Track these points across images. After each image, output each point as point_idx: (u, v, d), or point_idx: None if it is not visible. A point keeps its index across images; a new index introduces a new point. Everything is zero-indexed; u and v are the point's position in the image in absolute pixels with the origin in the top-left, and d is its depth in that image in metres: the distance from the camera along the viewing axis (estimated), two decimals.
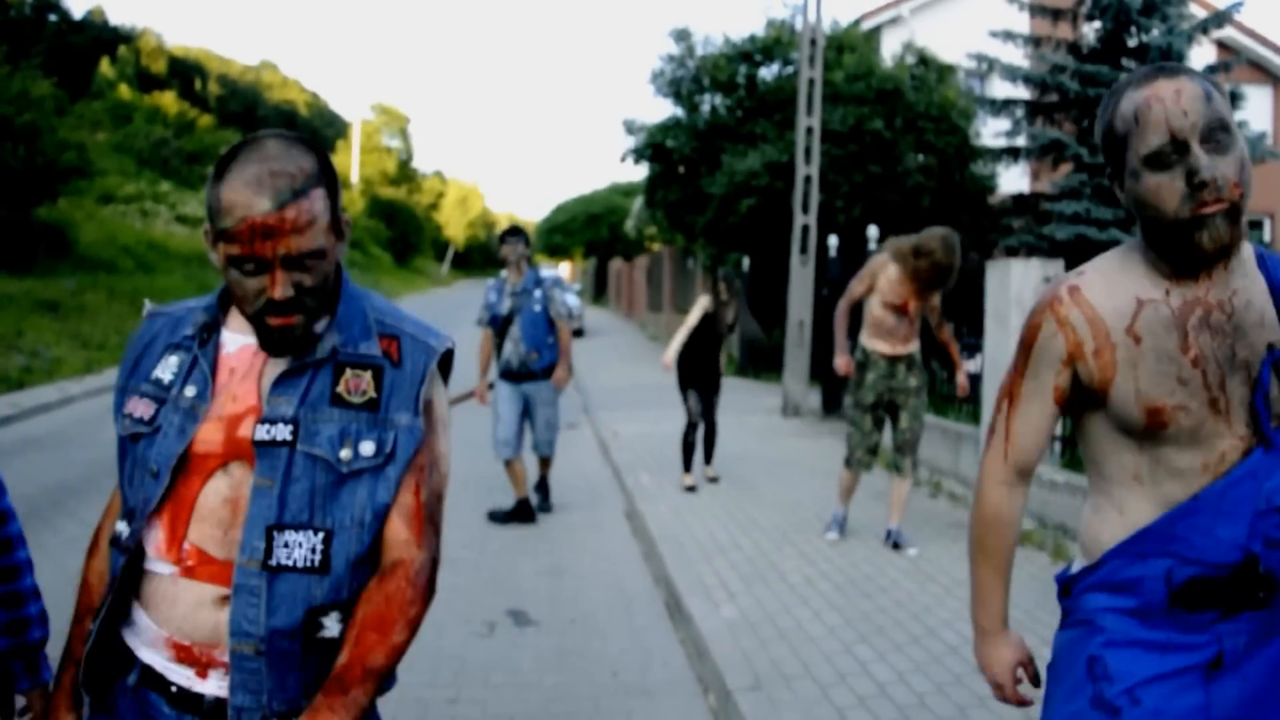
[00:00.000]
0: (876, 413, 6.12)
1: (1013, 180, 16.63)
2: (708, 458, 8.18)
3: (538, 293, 6.73)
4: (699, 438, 8.05)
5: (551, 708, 4.08)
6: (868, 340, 6.12)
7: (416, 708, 3.96)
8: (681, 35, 16.63)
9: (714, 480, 8.06)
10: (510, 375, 6.82)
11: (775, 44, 16.00)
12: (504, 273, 6.94)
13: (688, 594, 5.24)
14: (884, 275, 5.99)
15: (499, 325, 6.82)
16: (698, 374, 7.88)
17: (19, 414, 11.42)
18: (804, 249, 12.03)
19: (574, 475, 8.72)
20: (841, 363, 6.20)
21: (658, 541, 6.28)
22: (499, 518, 6.96)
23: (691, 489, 7.70)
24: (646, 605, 5.44)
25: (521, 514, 6.96)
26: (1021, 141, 13.92)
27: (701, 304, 7.83)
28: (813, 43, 11.87)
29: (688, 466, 7.87)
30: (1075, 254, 11.13)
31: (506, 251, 6.82)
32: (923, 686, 4.10)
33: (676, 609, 5.25)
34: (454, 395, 5.35)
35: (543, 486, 7.35)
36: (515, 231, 6.95)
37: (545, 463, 7.31)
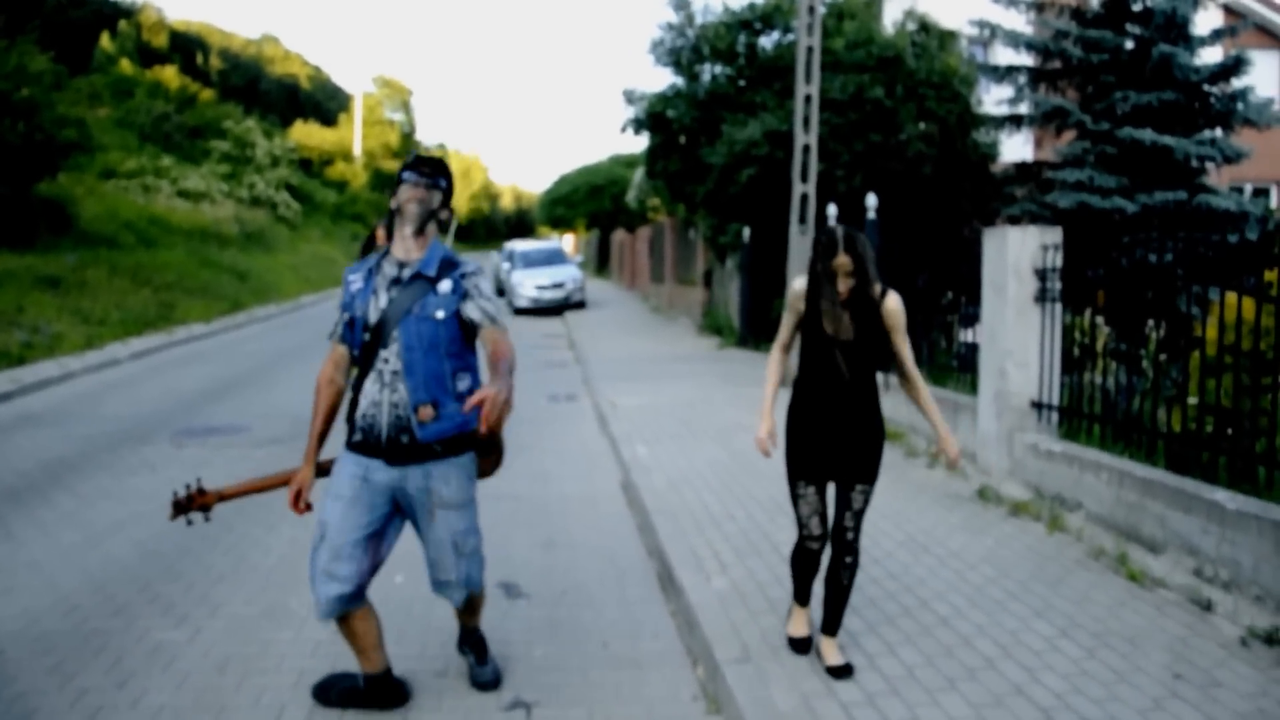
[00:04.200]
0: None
1: (1015, 148, 16.49)
2: (833, 623, 4.04)
3: (445, 285, 3.52)
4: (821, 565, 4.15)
5: (540, 679, 4.08)
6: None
7: (405, 680, 3.95)
8: (681, 4, 16.46)
9: (842, 671, 3.92)
10: (366, 448, 3.52)
11: (775, 12, 15.83)
12: (395, 243, 3.61)
13: (680, 565, 5.23)
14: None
15: (361, 343, 3.53)
16: (820, 441, 3.93)
17: (19, 390, 11.44)
18: (803, 218, 11.96)
19: (572, 446, 8.70)
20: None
21: (652, 513, 6.26)
22: (333, 698, 3.81)
23: (799, 646, 4.16)
24: (639, 577, 5.43)
25: (376, 696, 3.77)
26: (1024, 109, 13.76)
27: (795, 296, 3.98)
28: (811, 10, 11.74)
29: (801, 596, 4.20)
30: (1078, 222, 11.04)
31: (407, 195, 3.55)
32: (912, 658, 4.09)
33: (669, 581, 5.24)
34: (247, 484, 3.75)
35: (473, 641, 4.04)
36: (426, 164, 3.63)
37: (472, 606, 3.88)
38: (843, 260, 3.74)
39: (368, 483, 3.49)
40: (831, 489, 4.01)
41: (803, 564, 4.10)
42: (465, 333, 3.54)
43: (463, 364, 3.56)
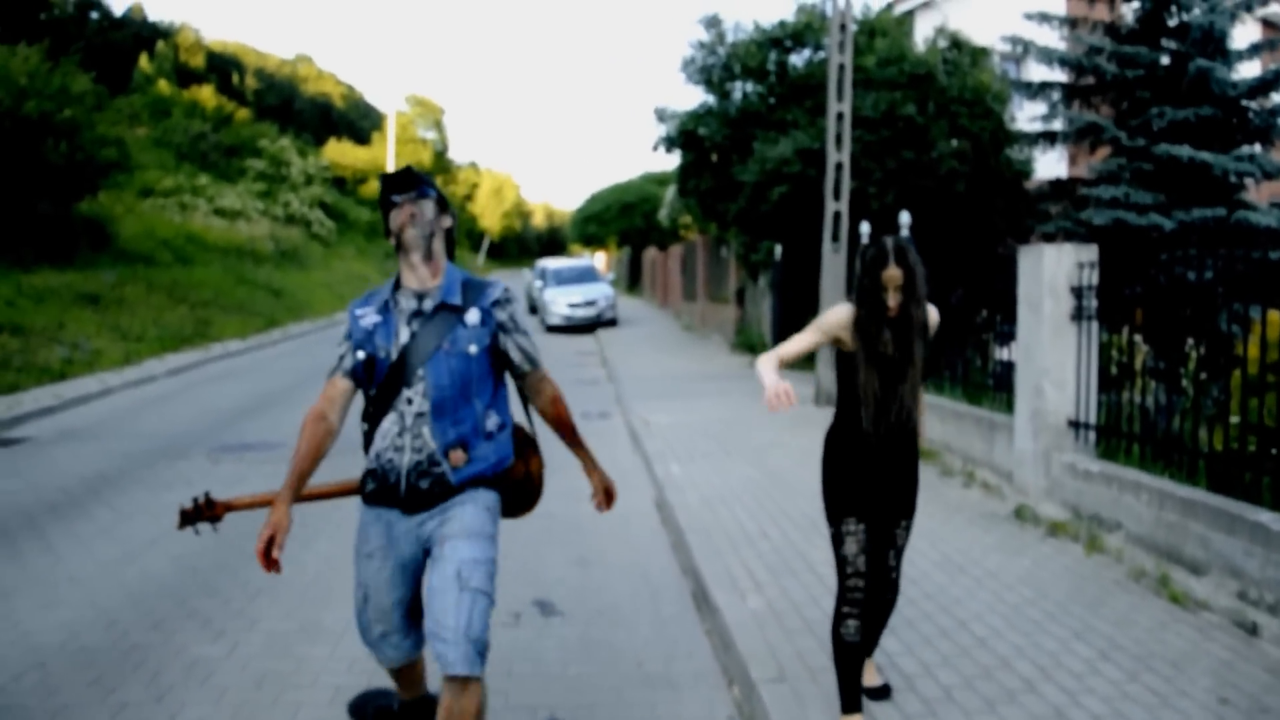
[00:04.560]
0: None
1: (1049, 165, 16.39)
2: (871, 644, 3.92)
3: (473, 315, 3.17)
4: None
5: (574, 698, 4.07)
6: None
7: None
8: (712, 22, 16.51)
9: (881, 692, 3.90)
10: (383, 497, 3.16)
11: (806, 29, 15.85)
12: (404, 273, 3.23)
13: (714, 585, 5.21)
14: None
15: (373, 379, 3.17)
16: (866, 475, 3.63)
17: (60, 405, 11.60)
18: (836, 236, 11.92)
19: (604, 464, 8.67)
20: None
21: (686, 532, 6.25)
22: (369, 717, 3.74)
23: None
24: (673, 596, 5.41)
25: (411, 718, 3.57)
26: (1058, 125, 13.69)
27: (836, 323, 3.61)
28: (843, 28, 11.74)
29: (850, 702, 3.58)
30: (1113, 239, 10.95)
31: (400, 220, 3.14)
32: (950, 679, 4.05)
33: (703, 599, 5.22)
34: (257, 496, 3.40)
35: None
36: (399, 181, 3.18)
37: (462, 692, 2.97)
38: (893, 273, 3.38)
39: (394, 535, 3.15)
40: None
41: (848, 650, 3.54)
42: (495, 366, 3.21)
43: (493, 400, 3.21)
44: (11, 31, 27.26)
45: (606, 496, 3.49)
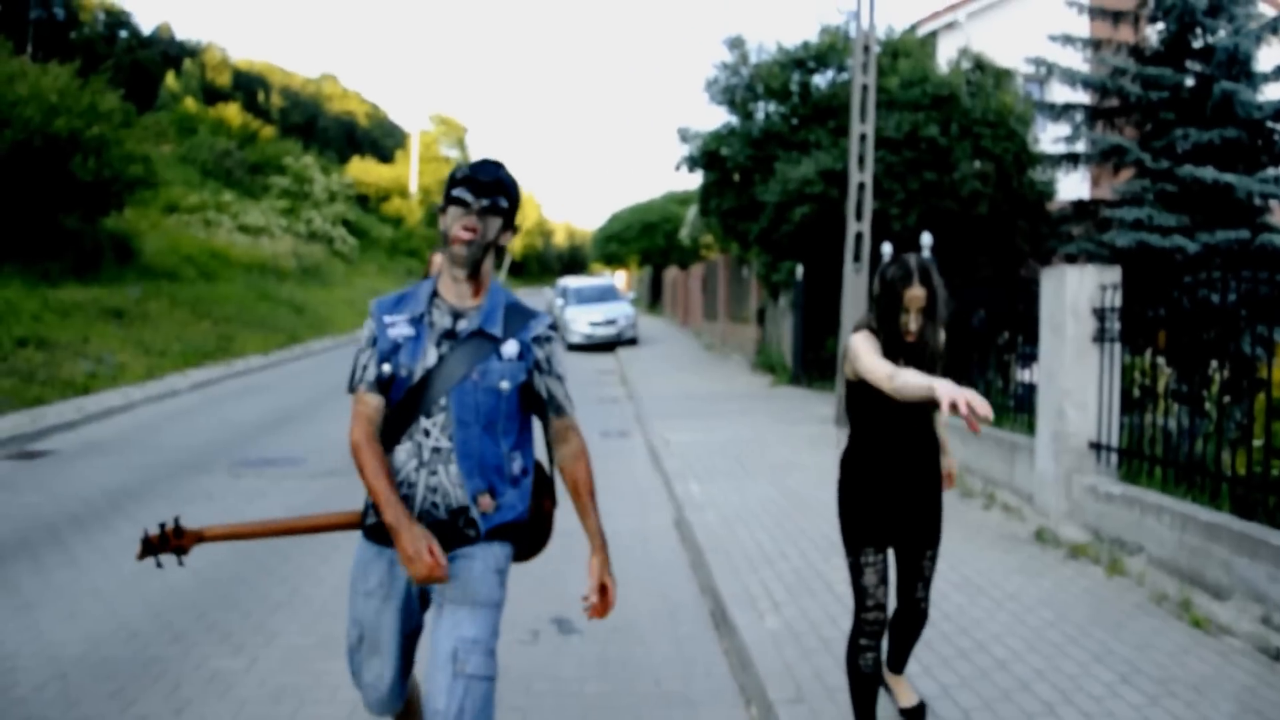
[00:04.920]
0: None
1: (1072, 186, 16.35)
2: (901, 660, 3.88)
3: (511, 348, 2.85)
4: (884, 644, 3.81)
5: (592, 716, 4.07)
6: None
7: None
8: (735, 43, 16.58)
9: (917, 712, 3.80)
10: (388, 534, 2.68)
11: (829, 51, 15.89)
12: (435, 276, 2.95)
13: (733, 604, 5.20)
14: None
15: (396, 403, 2.79)
16: (887, 503, 3.52)
17: (84, 418, 11.69)
18: (857, 257, 11.92)
19: (624, 483, 8.70)
20: None
21: (705, 551, 6.24)
22: None
23: None
24: (691, 615, 5.40)
25: None
26: (1081, 147, 13.68)
27: (864, 354, 3.27)
28: (866, 49, 11.77)
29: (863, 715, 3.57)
30: (1136, 262, 10.90)
31: (458, 228, 2.75)
32: (969, 702, 4.02)
33: (721, 618, 5.21)
34: (235, 528, 3.16)
35: None
36: (482, 180, 2.76)
37: None
38: (916, 293, 3.19)
39: (396, 574, 2.80)
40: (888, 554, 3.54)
41: (864, 681, 3.49)
42: (525, 406, 2.88)
43: (519, 442, 2.87)
44: (45, 51, 27.67)
45: (602, 596, 2.88)
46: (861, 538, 3.46)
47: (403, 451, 2.72)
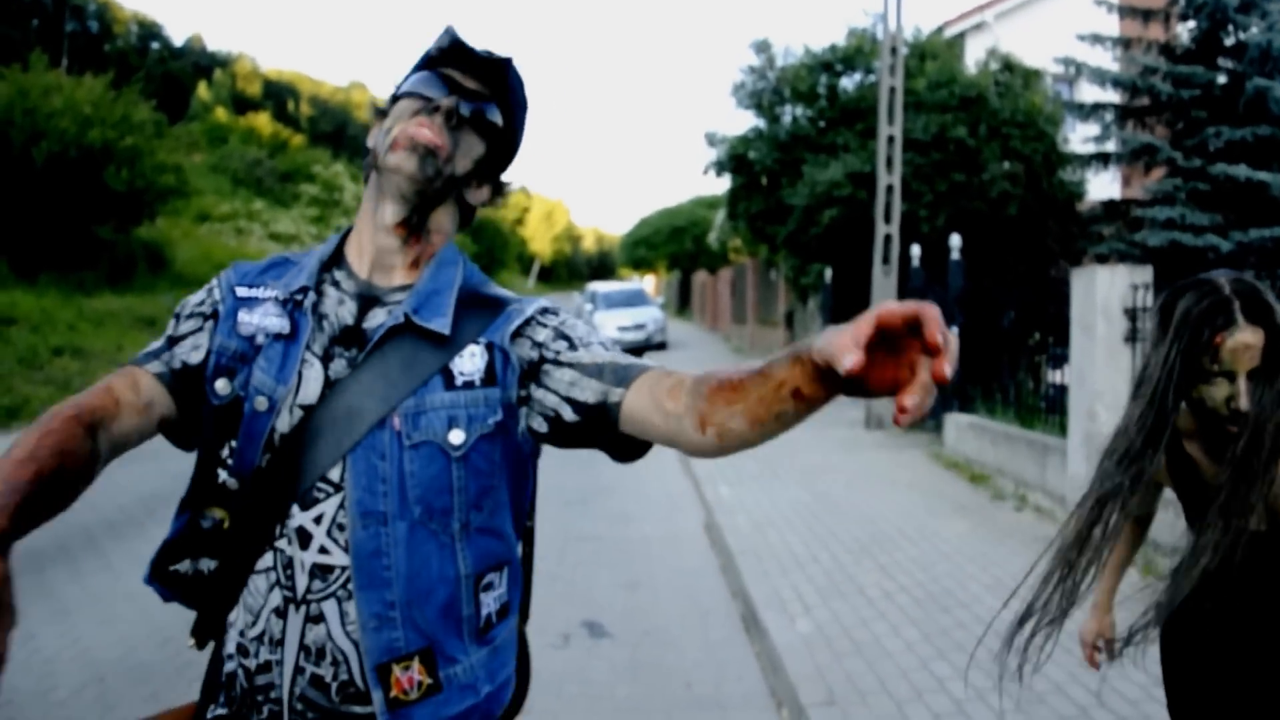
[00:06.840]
0: None
1: (1102, 186, 16.23)
2: None
3: (470, 359, 1.37)
4: None
5: (623, 719, 4.07)
6: None
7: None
8: (762, 47, 16.60)
9: None
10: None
11: (856, 53, 15.88)
12: (350, 243, 1.47)
13: (764, 607, 5.20)
14: None
15: (246, 472, 1.37)
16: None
17: None
18: (886, 259, 11.88)
19: (653, 488, 8.71)
20: None
21: (735, 554, 6.23)
22: None
23: None
24: (722, 618, 5.40)
25: None
26: (1111, 146, 13.57)
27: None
28: (894, 51, 11.74)
29: None
30: (1168, 261, 10.80)
31: (407, 134, 1.38)
32: (1002, 704, 4.00)
33: (752, 622, 5.20)
34: None
35: None
36: (485, 64, 1.45)
37: None
38: (1245, 340, 1.77)
39: None
40: None
41: None
42: (513, 463, 1.45)
43: (495, 550, 1.43)
44: (80, 63, 28.04)
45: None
46: None
47: (258, 580, 1.37)
